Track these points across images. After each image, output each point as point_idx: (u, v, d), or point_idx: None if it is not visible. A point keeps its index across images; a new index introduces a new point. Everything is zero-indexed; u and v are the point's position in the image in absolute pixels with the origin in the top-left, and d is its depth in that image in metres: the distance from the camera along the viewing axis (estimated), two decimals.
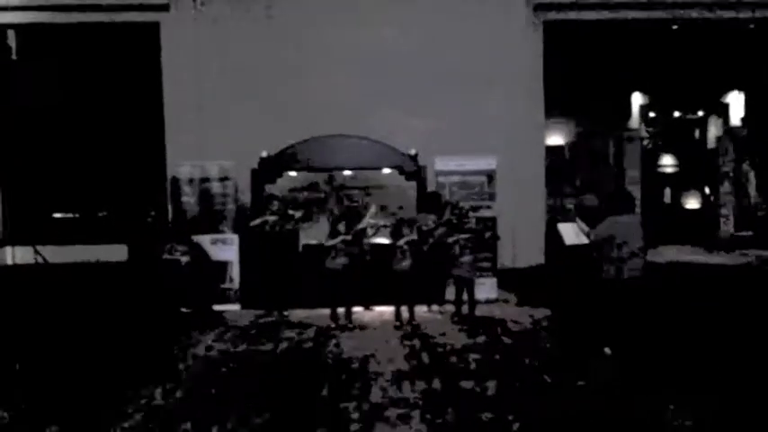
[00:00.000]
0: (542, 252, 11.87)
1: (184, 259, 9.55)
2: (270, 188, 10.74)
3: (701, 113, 17.31)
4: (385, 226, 9.96)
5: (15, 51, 13.40)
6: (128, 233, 10.84)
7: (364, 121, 11.35)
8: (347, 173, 11.61)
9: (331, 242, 9.25)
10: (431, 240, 9.61)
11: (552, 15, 13.17)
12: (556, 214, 13.95)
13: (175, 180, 11.20)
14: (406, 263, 9.16)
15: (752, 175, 16.85)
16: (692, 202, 17.10)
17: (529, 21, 12.97)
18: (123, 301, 9.32)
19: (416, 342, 8.03)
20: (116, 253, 10.67)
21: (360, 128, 10.98)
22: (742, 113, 16.53)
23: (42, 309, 9.26)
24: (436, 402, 5.57)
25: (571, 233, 9.87)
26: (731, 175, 16.56)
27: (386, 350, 7.57)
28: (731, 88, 16.50)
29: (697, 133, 17.55)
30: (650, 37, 14.26)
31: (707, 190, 17.09)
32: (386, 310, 9.77)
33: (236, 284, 10.49)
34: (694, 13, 13.37)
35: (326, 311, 9.27)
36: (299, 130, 10.94)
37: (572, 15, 13.33)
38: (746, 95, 16.47)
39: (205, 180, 11.15)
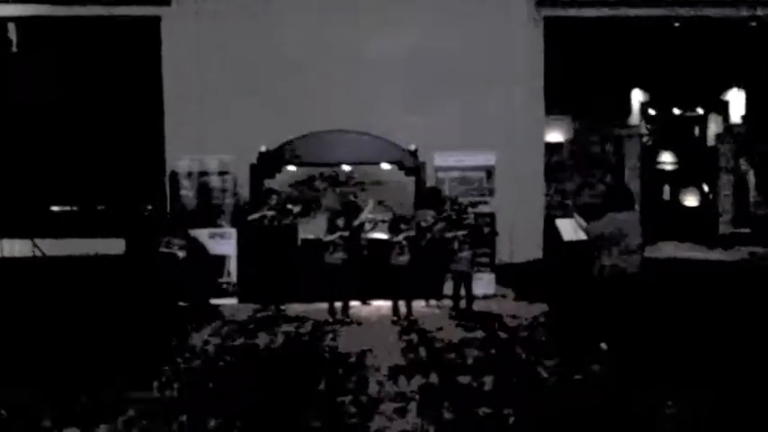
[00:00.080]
0: (540, 248, 11.88)
1: (182, 253, 9.55)
2: (269, 183, 10.74)
3: (700, 111, 17.31)
4: (383, 221, 9.96)
5: (16, 44, 13.38)
6: (126, 227, 10.84)
7: (364, 116, 11.36)
8: (346, 168, 11.61)
9: (329, 237, 9.25)
10: (429, 236, 9.62)
11: (553, 12, 13.17)
12: (554, 210, 13.95)
13: (174, 174, 11.19)
14: (404, 258, 9.16)
15: (751, 172, 16.85)
16: (691, 199, 17.11)
17: (530, 17, 12.96)
18: (121, 295, 9.31)
19: (414, 337, 8.03)
20: (114, 246, 10.66)
21: (359, 123, 10.99)
22: (742, 111, 16.53)
23: (40, 302, 9.26)
24: (433, 397, 5.57)
25: (569, 229, 9.85)
26: (730, 172, 16.55)
27: (383, 345, 7.56)
28: (731, 86, 16.50)
29: (697, 131, 17.55)
30: (651, 34, 14.26)
31: (706, 187, 17.08)
32: (383, 305, 9.78)
33: (233, 278, 10.50)
34: (695, 11, 13.37)
35: (324, 306, 9.28)
36: (299, 124, 10.95)
37: (573, 12, 13.33)
38: (746, 93, 16.46)
39: (204, 174, 11.13)
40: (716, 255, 13.72)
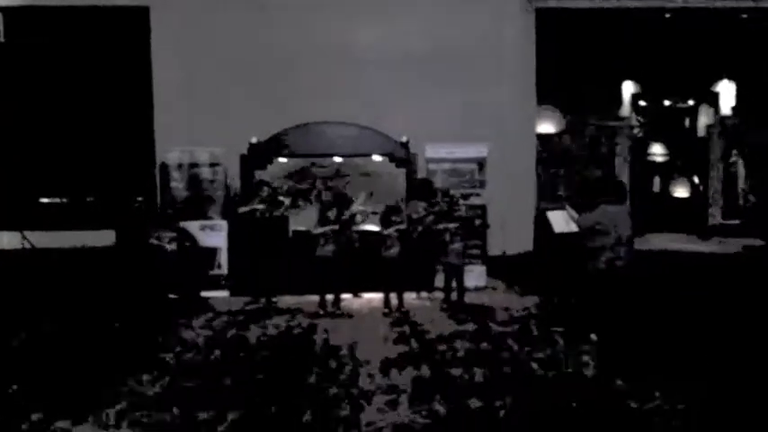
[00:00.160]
0: (531, 240, 11.90)
1: (172, 245, 9.50)
2: (260, 174, 10.70)
3: (691, 102, 17.33)
4: (374, 213, 9.94)
5: (3, 34, 13.23)
6: (116, 219, 10.78)
7: (355, 108, 11.31)
8: (337, 159, 11.58)
9: (319, 230, 9.23)
10: (420, 228, 9.61)
11: (544, 3, 13.14)
12: (546, 202, 13.96)
13: (164, 166, 11.14)
14: (395, 250, 9.15)
15: (741, 164, 16.91)
16: (681, 191, 17.15)
17: (522, 8, 12.92)
18: (111, 288, 9.27)
19: (405, 329, 8.04)
20: (104, 238, 10.60)
21: (350, 115, 10.95)
22: (732, 103, 16.56)
23: (29, 295, 9.21)
24: (424, 389, 5.57)
25: (560, 221, 9.87)
26: (720, 164, 16.61)
27: (374, 337, 7.57)
28: (722, 77, 16.52)
29: (687, 122, 17.58)
30: (642, 25, 14.24)
31: (696, 179, 17.13)
32: (375, 297, 9.78)
33: (224, 271, 10.47)
34: (686, 2, 13.37)
35: (315, 298, 9.27)
36: (290, 116, 10.91)
37: (564, 3, 13.30)
38: (737, 85, 16.49)
39: (194, 166, 11.10)
40: (706, 246, 13.78)
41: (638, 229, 7.99)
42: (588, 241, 7.30)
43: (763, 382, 5.66)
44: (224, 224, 10.58)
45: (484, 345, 7.15)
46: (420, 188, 10.48)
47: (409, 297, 9.56)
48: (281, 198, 10.12)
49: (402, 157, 10.89)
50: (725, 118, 16.60)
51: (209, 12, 12.39)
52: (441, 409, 5.11)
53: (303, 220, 10.38)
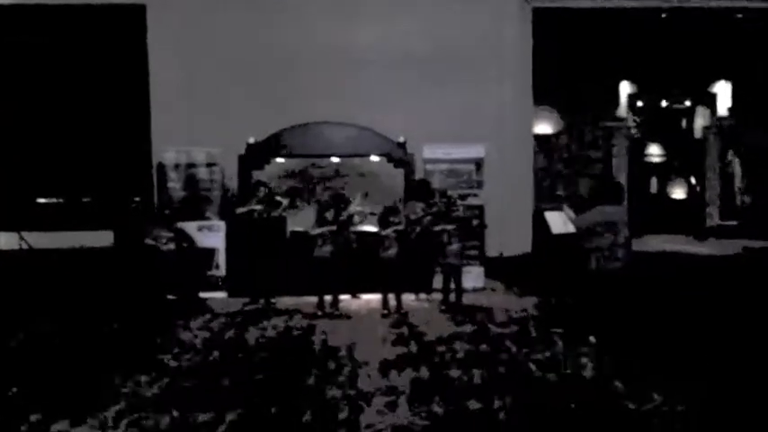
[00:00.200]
0: (530, 241, 11.90)
1: (170, 246, 9.48)
2: (257, 174, 10.68)
3: (688, 103, 17.35)
4: (372, 213, 9.93)
5: None
6: (113, 219, 10.75)
7: (352, 108, 11.29)
8: (335, 159, 11.57)
9: (317, 231, 9.21)
10: (418, 229, 9.60)
11: (542, 2, 13.14)
12: (544, 203, 13.98)
13: (161, 166, 11.12)
14: (393, 251, 9.14)
15: (737, 165, 16.94)
16: (678, 192, 17.18)
17: (519, 8, 12.92)
18: (108, 288, 9.25)
19: (403, 330, 8.03)
20: (101, 239, 10.57)
21: (348, 115, 10.95)
22: (729, 103, 16.60)
23: (26, 295, 9.19)
24: (423, 390, 5.56)
25: (558, 222, 9.91)
26: (717, 165, 16.64)
27: (373, 338, 7.56)
28: (718, 78, 16.55)
29: (684, 123, 17.61)
30: (639, 25, 14.26)
31: (693, 180, 17.16)
32: (373, 298, 9.77)
33: (222, 271, 10.45)
34: (683, 2, 13.39)
35: (313, 299, 9.26)
36: (287, 116, 10.90)
37: (561, 3, 13.31)
38: (734, 86, 16.53)
39: (191, 166, 11.09)
40: (703, 248, 13.80)
41: (636, 230, 7.99)
42: (586, 242, 7.31)
43: (761, 384, 5.67)
44: (222, 225, 10.56)
45: (482, 346, 7.14)
46: (418, 189, 10.48)
47: (408, 298, 9.55)
48: (278, 198, 10.10)
49: (400, 157, 10.88)
50: (722, 119, 16.64)
51: (206, 10, 12.36)
52: (439, 410, 5.11)
53: (301, 220, 10.35)
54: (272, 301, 9.62)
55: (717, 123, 16.67)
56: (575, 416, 5.02)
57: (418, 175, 10.92)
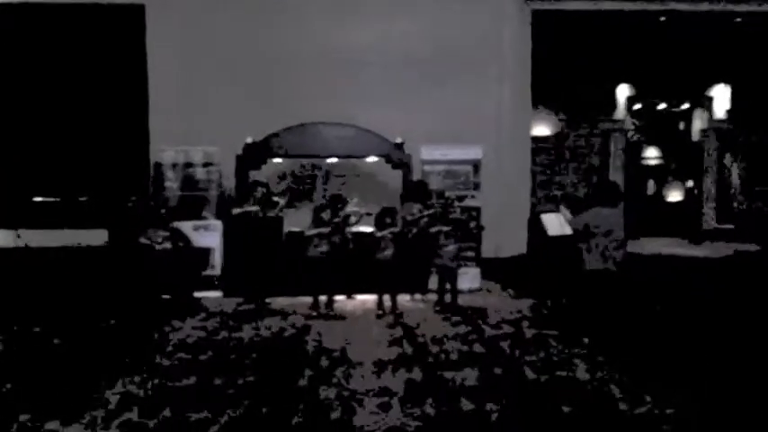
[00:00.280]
0: (526, 242, 11.90)
1: (166, 245, 9.46)
2: (254, 174, 10.67)
3: (685, 106, 17.37)
4: (368, 214, 9.92)
5: None
6: (109, 218, 10.74)
7: (350, 108, 11.27)
8: (332, 160, 11.56)
9: (313, 231, 9.20)
10: (414, 230, 9.60)
11: (540, 5, 13.15)
12: (541, 204, 14.00)
13: (158, 165, 11.11)
14: (389, 252, 9.14)
15: (735, 168, 16.95)
16: (675, 195, 17.18)
17: (517, 9, 12.93)
18: (103, 287, 9.24)
19: (398, 331, 8.03)
20: (97, 238, 10.56)
21: (345, 115, 10.94)
22: (727, 107, 16.61)
23: (21, 293, 9.18)
24: (417, 392, 5.57)
25: (555, 224, 9.93)
26: (714, 168, 16.66)
27: (367, 339, 7.56)
28: (716, 81, 16.56)
29: (681, 126, 17.62)
30: (637, 28, 14.27)
31: (690, 182, 17.18)
32: (368, 299, 9.76)
33: (218, 271, 10.44)
34: (681, 6, 13.40)
35: (308, 300, 9.25)
36: (285, 116, 10.87)
37: (560, 5, 13.31)
38: (731, 89, 16.54)
39: (188, 165, 11.08)
40: (699, 250, 13.81)
41: (632, 232, 8.00)
42: (582, 244, 7.33)
43: (756, 387, 5.67)
44: (218, 224, 10.55)
45: (477, 347, 7.15)
46: (415, 189, 10.46)
47: (403, 299, 9.54)
48: (275, 198, 10.09)
49: (397, 158, 10.88)
50: (719, 122, 16.65)
51: (204, 11, 12.35)
52: (433, 411, 5.11)
53: (297, 220, 10.34)
54: (268, 301, 9.61)
55: (714, 126, 16.67)
56: (568, 418, 5.02)
57: (416, 176, 10.91)
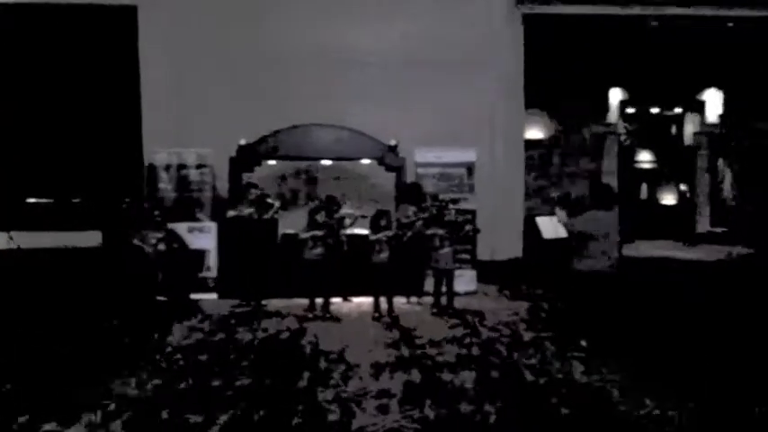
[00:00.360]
0: (521, 245, 11.92)
1: (160, 247, 9.41)
2: (248, 176, 10.64)
3: (678, 110, 17.46)
4: (363, 216, 9.90)
5: None
6: (102, 220, 10.69)
7: (344, 111, 11.27)
8: (326, 162, 11.55)
9: (305, 235, 9.18)
10: (409, 233, 9.58)
11: (533, 9, 13.19)
12: (536, 207, 14.03)
13: (152, 167, 11.07)
14: (384, 254, 9.12)
15: (727, 172, 17.05)
16: (669, 198, 17.27)
17: (509, 14, 12.96)
18: (97, 289, 9.19)
19: (395, 333, 8.01)
20: (90, 239, 10.51)
21: (339, 118, 10.93)
22: (719, 111, 16.71)
23: (15, 295, 9.12)
24: (414, 394, 5.55)
25: (549, 227, 9.96)
26: (707, 171, 16.75)
27: (364, 341, 7.54)
28: (708, 86, 16.66)
29: (674, 130, 17.71)
30: (629, 33, 14.34)
31: (683, 186, 17.26)
32: (364, 302, 9.74)
33: (213, 273, 10.40)
34: (674, 10, 13.47)
35: (304, 302, 9.23)
36: (279, 118, 10.86)
37: (553, 9, 13.35)
38: (724, 93, 16.64)
39: (182, 167, 11.05)
40: (693, 253, 13.86)
41: (626, 235, 8.02)
42: (576, 247, 7.35)
43: (752, 388, 5.69)
44: (213, 226, 10.51)
45: (474, 349, 7.14)
46: (409, 192, 10.46)
47: (399, 301, 9.53)
48: (269, 200, 10.07)
49: (391, 161, 10.87)
50: (712, 126, 16.74)
51: (197, 12, 12.32)
52: (431, 413, 5.09)
53: (292, 222, 10.31)
54: (263, 303, 9.58)
55: (706, 130, 16.76)
56: (566, 420, 5.02)
57: (409, 179, 10.91)
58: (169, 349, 7.08)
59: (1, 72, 12.71)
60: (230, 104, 11.83)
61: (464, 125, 11.97)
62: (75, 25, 12.77)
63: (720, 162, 17.00)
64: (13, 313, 8.51)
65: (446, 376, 6.09)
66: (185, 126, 11.71)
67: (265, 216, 9.80)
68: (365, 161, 11.17)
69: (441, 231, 9.34)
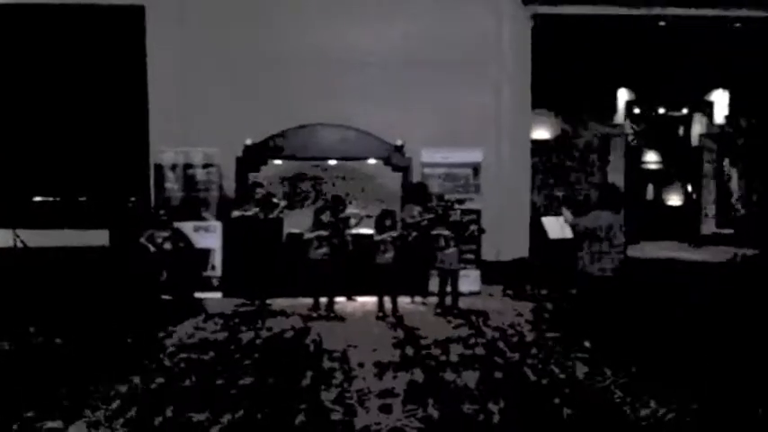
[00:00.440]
0: (526, 246, 11.91)
1: (166, 246, 9.45)
2: (254, 176, 10.67)
3: (685, 111, 17.41)
4: (368, 216, 9.91)
5: None
6: (109, 218, 10.73)
7: (350, 110, 11.27)
8: (332, 162, 11.56)
9: (309, 235, 9.19)
10: (414, 233, 9.59)
11: (540, 9, 13.16)
12: (540, 208, 14.01)
13: (158, 166, 11.10)
14: (389, 254, 9.12)
15: (734, 173, 16.99)
16: (675, 199, 17.22)
17: (516, 14, 12.94)
18: (103, 287, 9.23)
19: (399, 333, 8.02)
20: (97, 238, 10.55)
21: (345, 117, 10.94)
22: (726, 112, 16.65)
23: (21, 294, 9.16)
24: (418, 393, 5.56)
25: (555, 227, 9.93)
26: (714, 172, 16.69)
27: (368, 341, 7.54)
28: (716, 86, 16.61)
29: (681, 130, 17.66)
30: (637, 33, 14.30)
31: (689, 187, 17.21)
32: (368, 301, 9.75)
33: (218, 272, 10.43)
34: (681, 11, 13.42)
35: (308, 301, 9.24)
36: (285, 118, 10.87)
37: (560, 10, 13.32)
38: (731, 94, 16.58)
39: (189, 167, 11.07)
40: (699, 254, 13.82)
41: (632, 236, 8.00)
42: (582, 247, 7.33)
43: (755, 390, 5.67)
44: (218, 225, 10.54)
45: (477, 349, 7.14)
46: (415, 192, 10.47)
47: (403, 301, 9.53)
48: (275, 200, 10.09)
49: (397, 161, 10.88)
50: (719, 127, 16.69)
51: (204, 12, 12.34)
52: (434, 413, 5.10)
53: (298, 222, 10.34)
54: (268, 302, 9.60)
55: (713, 131, 16.71)
56: (569, 421, 5.02)
57: (416, 179, 10.91)
58: (173, 348, 7.10)
59: (9, 71, 12.77)
60: (236, 104, 11.84)
61: (470, 125, 11.96)
62: (83, 25, 12.81)
63: (727, 163, 16.94)
64: (18, 311, 8.54)
65: (449, 376, 6.09)
66: (192, 125, 11.74)
67: (271, 215, 9.82)
68: (371, 161, 11.17)
69: (446, 232, 9.34)
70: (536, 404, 5.36)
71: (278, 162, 11.30)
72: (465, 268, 10.13)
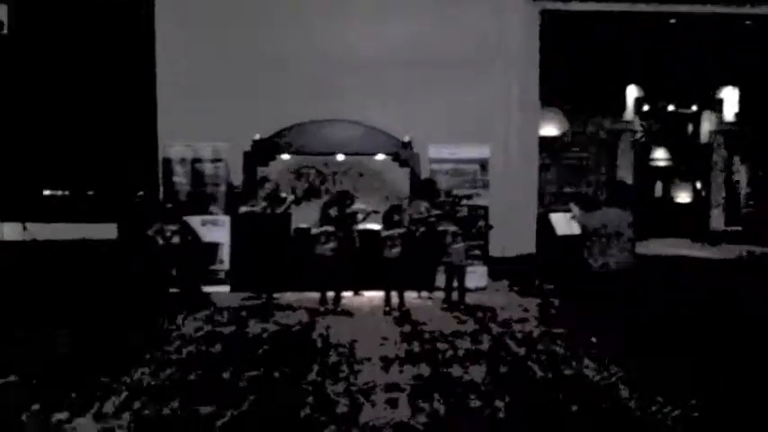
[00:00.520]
0: (534, 241, 11.89)
1: (174, 240, 9.48)
2: (262, 171, 10.70)
3: (694, 108, 17.33)
4: (376, 212, 9.92)
5: (7, 26, 13.22)
6: (118, 212, 10.78)
7: (358, 106, 11.29)
8: (340, 157, 11.57)
9: (321, 228, 9.22)
10: (422, 229, 9.60)
11: (549, 5, 13.12)
12: (550, 203, 14.00)
13: (167, 160, 11.14)
14: (396, 249, 9.13)
15: (743, 170, 16.92)
16: (683, 196, 17.16)
17: (526, 9, 12.90)
18: (112, 281, 9.27)
19: (405, 328, 8.03)
20: (105, 232, 10.60)
21: (354, 113, 10.94)
22: (736, 109, 16.57)
23: (30, 287, 9.20)
24: (424, 388, 5.57)
25: (563, 223, 9.91)
26: (722, 170, 16.62)
27: (374, 335, 7.56)
28: (726, 84, 16.52)
29: (690, 128, 17.58)
30: (647, 30, 14.24)
31: (698, 184, 17.14)
32: (375, 296, 9.77)
33: (225, 266, 10.47)
34: (691, 8, 13.36)
35: (316, 295, 9.27)
36: (294, 113, 10.89)
37: (569, 6, 13.28)
38: (740, 91, 16.50)
39: (197, 161, 11.11)
40: (707, 252, 13.78)
41: (640, 233, 7.97)
42: (590, 244, 7.32)
43: (762, 388, 5.66)
44: (226, 219, 10.58)
45: (484, 345, 7.15)
46: (423, 188, 10.48)
47: (410, 296, 9.54)
48: (283, 195, 10.11)
49: (405, 156, 10.89)
50: (728, 124, 16.61)
51: (214, 7, 12.36)
52: (440, 408, 5.11)
53: (305, 217, 10.36)
54: (275, 296, 9.63)
55: (723, 129, 16.63)
56: (575, 417, 5.02)
57: (423, 175, 10.91)
58: (180, 341, 7.13)
59: (19, 65, 12.82)
60: (245, 99, 11.83)
61: (478, 122, 11.94)
62: (92, 20, 12.85)
63: (736, 161, 16.86)
64: (27, 304, 8.59)
65: (456, 371, 6.10)
66: (200, 120, 11.74)
67: (278, 210, 9.84)
68: (379, 157, 11.18)
69: (453, 227, 9.34)
70: (542, 400, 5.36)
71: (286, 157, 11.32)
72: (472, 264, 10.13)
